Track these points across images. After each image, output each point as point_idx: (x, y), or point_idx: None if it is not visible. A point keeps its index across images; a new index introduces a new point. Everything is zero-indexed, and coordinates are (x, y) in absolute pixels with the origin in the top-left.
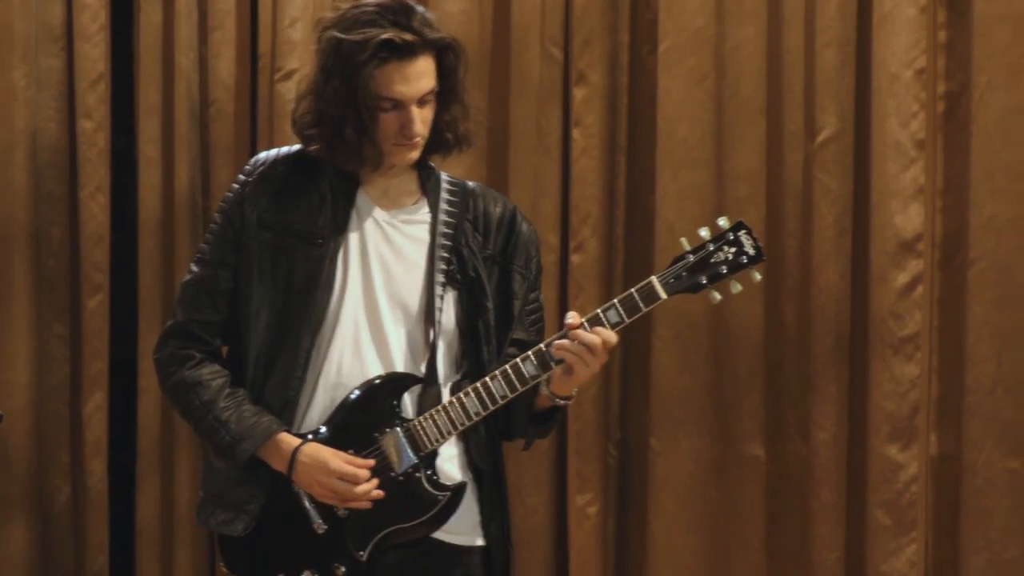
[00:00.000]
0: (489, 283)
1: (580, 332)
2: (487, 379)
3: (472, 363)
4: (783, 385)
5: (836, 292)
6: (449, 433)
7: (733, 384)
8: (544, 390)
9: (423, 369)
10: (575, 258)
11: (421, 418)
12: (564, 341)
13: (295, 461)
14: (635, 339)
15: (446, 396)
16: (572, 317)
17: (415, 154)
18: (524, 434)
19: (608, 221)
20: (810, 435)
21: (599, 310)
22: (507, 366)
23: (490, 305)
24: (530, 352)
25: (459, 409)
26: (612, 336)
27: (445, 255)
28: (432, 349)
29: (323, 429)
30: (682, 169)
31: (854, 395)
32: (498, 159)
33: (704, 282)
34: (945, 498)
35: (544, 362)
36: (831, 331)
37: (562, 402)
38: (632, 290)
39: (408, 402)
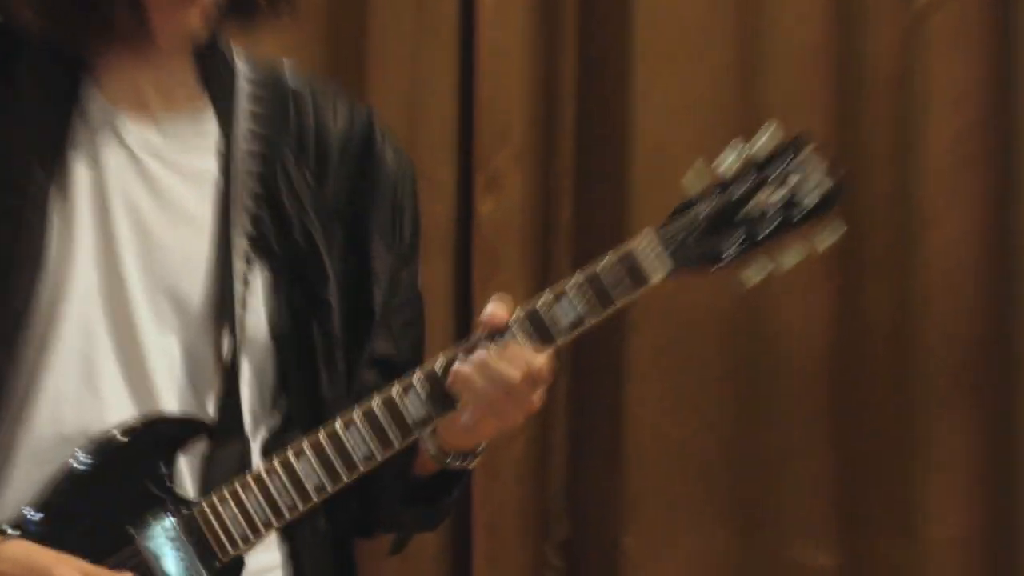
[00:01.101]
0: (330, 256)
1: (493, 355)
2: (333, 427)
3: (303, 399)
4: (866, 438)
5: (969, 278)
6: (263, 528)
7: (773, 435)
8: (429, 445)
9: (213, 409)
10: (484, 207)
11: (213, 498)
12: (466, 366)
13: None
14: (596, 356)
15: (258, 458)
16: (490, 314)
17: (195, 16)
18: (394, 524)
19: (544, 141)
20: (919, 527)
21: (536, 304)
22: (369, 404)
23: (332, 295)
24: (412, 379)
25: (282, 483)
26: (544, 363)
27: (250, 206)
28: (230, 375)
29: (33, 515)
30: (682, 46)
31: (997, 449)
32: (348, 41)
33: (734, 247)
34: None
35: (436, 398)
36: (959, 343)
37: (461, 464)
38: (602, 262)
39: (187, 469)
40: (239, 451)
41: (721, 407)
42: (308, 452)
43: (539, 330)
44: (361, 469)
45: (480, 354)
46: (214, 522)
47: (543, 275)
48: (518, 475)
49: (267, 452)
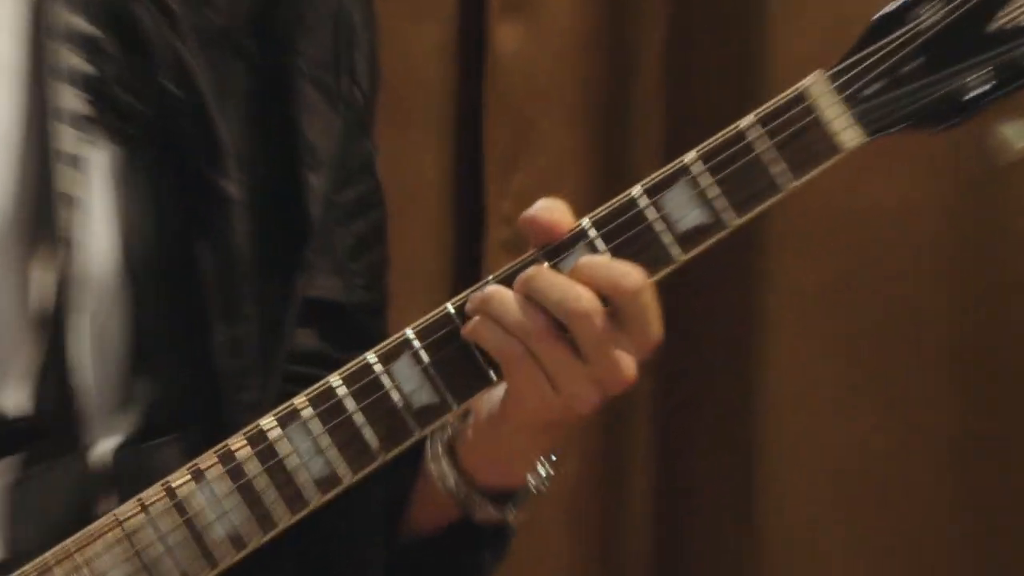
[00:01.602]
0: (225, 117)
1: (548, 271)
2: (256, 434)
3: (180, 377)
4: None
5: None
6: None
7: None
8: (444, 470)
9: (22, 398)
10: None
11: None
12: (498, 291)
13: None
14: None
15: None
16: (541, 217)
17: None
18: None
19: None
20: None
21: (632, 193)
22: (319, 388)
23: (231, 187)
24: (405, 335)
25: (141, 557)
26: (643, 281)
27: (80, 31)
28: (50, 337)
29: None
30: None
31: None
32: None
33: (983, 85)
34: None
35: (451, 365)
36: None
37: (495, 513)
38: (745, 122)
39: None
40: (70, 476)
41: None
42: (199, 491)
43: (637, 237)
44: (292, 516)
45: (527, 270)
46: None
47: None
48: (563, 517)
49: (121, 480)
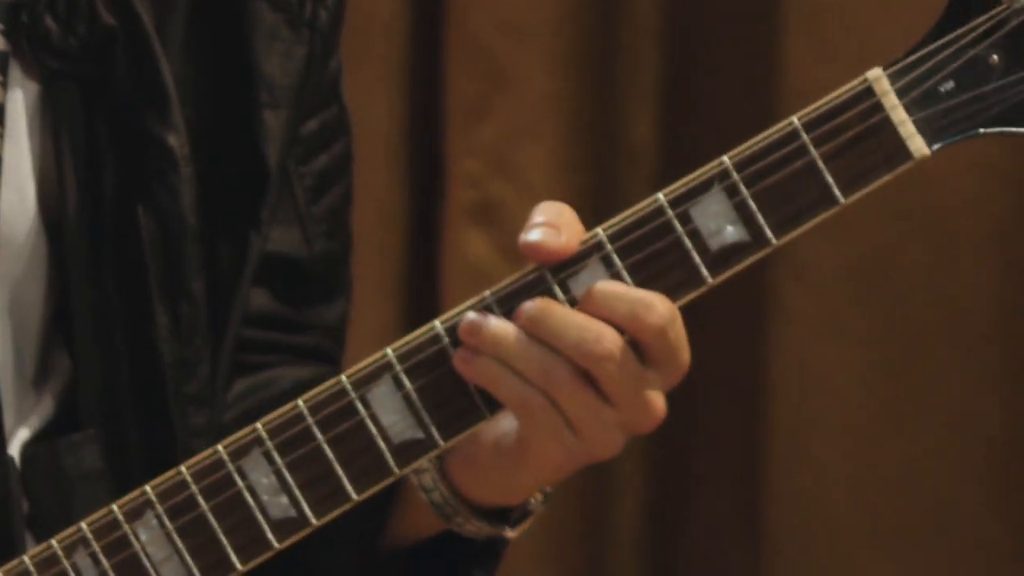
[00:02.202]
0: (169, 48)
1: (557, 305)
2: (209, 463)
3: (112, 357)
4: None
5: None
6: None
7: None
8: (428, 482)
9: None
10: None
11: None
12: (500, 323)
13: None
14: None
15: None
16: (544, 231)
17: None
18: None
19: None
20: None
21: (655, 203)
22: (282, 413)
23: (175, 135)
24: (386, 354)
25: None
26: (670, 312)
27: None
28: None
29: None
30: None
31: None
32: None
33: None
34: None
35: (439, 394)
36: None
37: (488, 529)
38: (804, 118)
39: None
40: None
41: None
42: (140, 530)
43: (662, 254)
44: (272, 546)
45: (533, 303)
46: None
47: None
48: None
49: (31, 484)
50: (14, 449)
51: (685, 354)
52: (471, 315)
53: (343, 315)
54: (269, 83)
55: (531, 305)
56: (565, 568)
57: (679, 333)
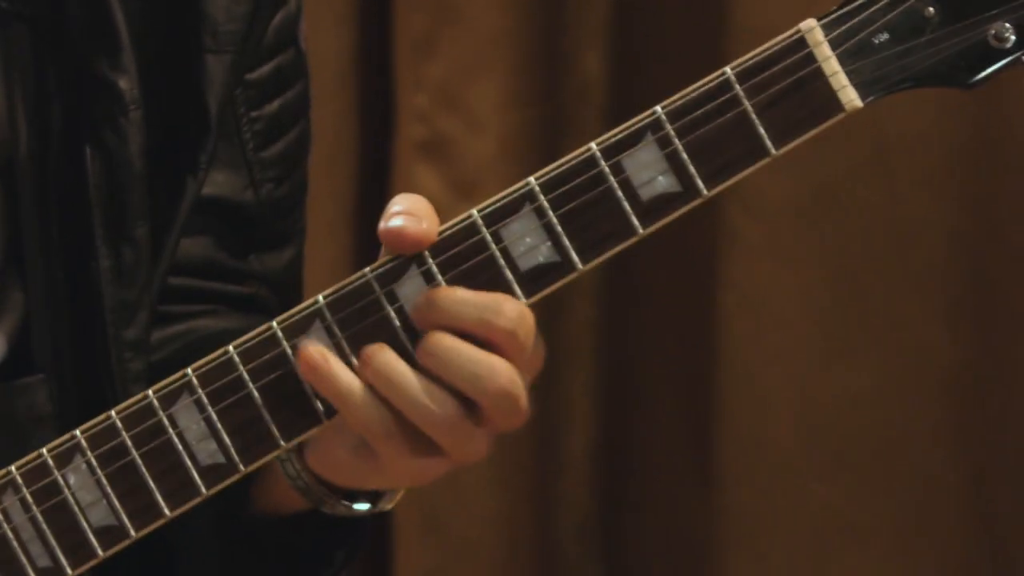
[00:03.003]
0: None
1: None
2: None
3: (56, 301)
4: None
5: None
6: None
7: None
8: (287, 465)
9: None
10: None
11: None
12: (392, 378)
13: None
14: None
15: None
16: (397, 221)
17: None
18: None
19: None
20: None
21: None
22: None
23: (124, 76)
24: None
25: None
26: (521, 314)
27: None
28: None
29: None
30: None
31: None
32: None
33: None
34: None
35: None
36: None
37: (349, 509)
38: (715, 82)
39: None
40: None
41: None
42: (72, 472)
43: (598, 202)
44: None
45: (371, 350)
46: None
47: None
48: (497, 489)
49: None
50: None
51: (539, 348)
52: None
53: (292, 262)
54: (213, 27)
55: (373, 356)
56: (516, 494)
57: (529, 330)
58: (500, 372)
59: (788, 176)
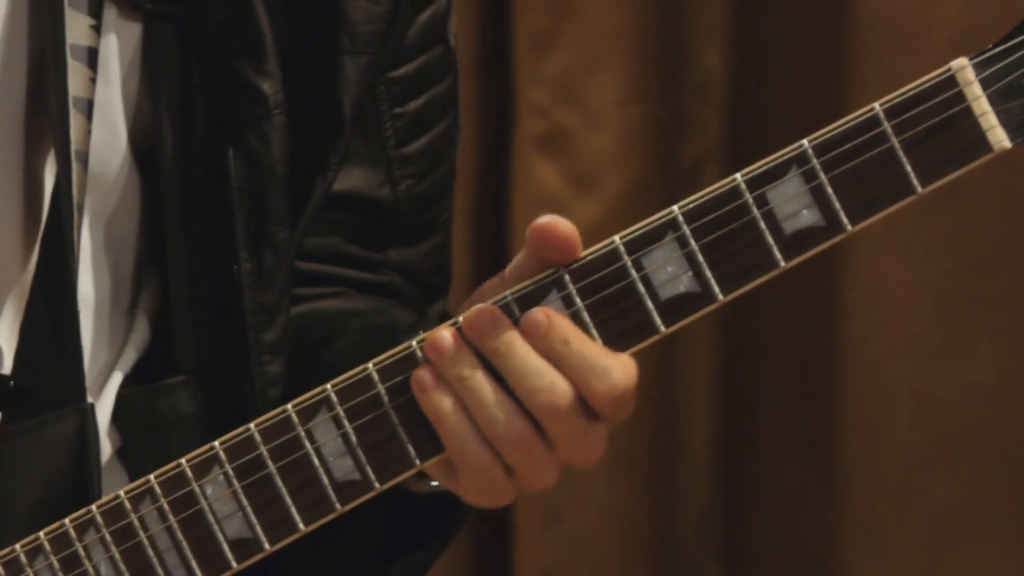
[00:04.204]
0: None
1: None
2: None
3: (197, 300)
4: None
5: None
6: None
7: None
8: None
9: (7, 334)
10: None
11: (18, 551)
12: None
13: None
14: None
15: (108, 449)
16: (551, 225)
17: None
18: None
19: None
20: None
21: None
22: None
23: (268, 78)
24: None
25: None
26: (626, 380)
27: None
28: (51, 251)
29: None
30: None
31: None
32: None
33: None
34: None
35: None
36: None
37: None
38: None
39: None
40: (69, 431)
41: None
42: (222, 470)
43: (737, 236)
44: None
45: (491, 332)
46: None
47: None
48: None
49: (126, 427)
50: (110, 390)
51: (630, 407)
52: (420, 374)
53: (429, 255)
54: (351, 28)
55: (496, 339)
56: (635, 488)
57: (630, 395)
58: (560, 392)
59: None
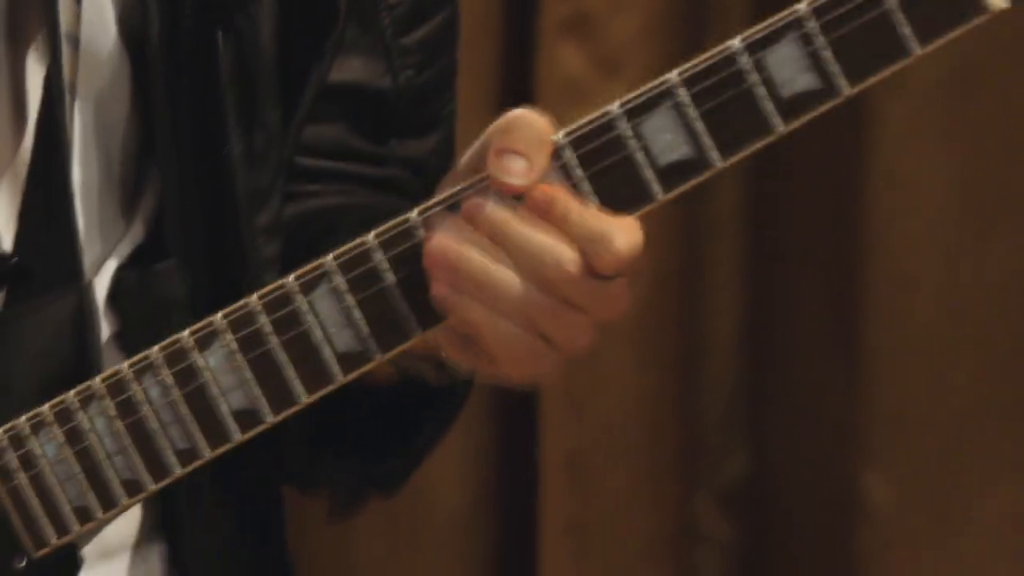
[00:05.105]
0: None
1: (516, 219)
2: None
3: (189, 183)
4: None
5: None
6: (101, 508)
7: None
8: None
9: (8, 216)
10: None
11: (21, 426)
12: (453, 236)
13: None
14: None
15: (105, 329)
16: (512, 128)
17: None
18: (314, 475)
19: None
20: None
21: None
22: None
23: None
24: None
25: (160, 409)
26: (633, 238)
27: None
28: (47, 132)
29: None
30: None
31: None
32: None
33: None
34: None
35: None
36: None
37: (440, 375)
38: None
39: None
40: (69, 311)
41: None
42: (210, 355)
43: (733, 102)
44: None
45: (491, 214)
46: (25, 481)
47: None
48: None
49: (121, 309)
50: (106, 275)
51: (641, 263)
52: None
53: (438, 147)
54: None
55: (494, 215)
56: (660, 377)
57: (638, 254)
58: (568, 260)
59: (932, 55)
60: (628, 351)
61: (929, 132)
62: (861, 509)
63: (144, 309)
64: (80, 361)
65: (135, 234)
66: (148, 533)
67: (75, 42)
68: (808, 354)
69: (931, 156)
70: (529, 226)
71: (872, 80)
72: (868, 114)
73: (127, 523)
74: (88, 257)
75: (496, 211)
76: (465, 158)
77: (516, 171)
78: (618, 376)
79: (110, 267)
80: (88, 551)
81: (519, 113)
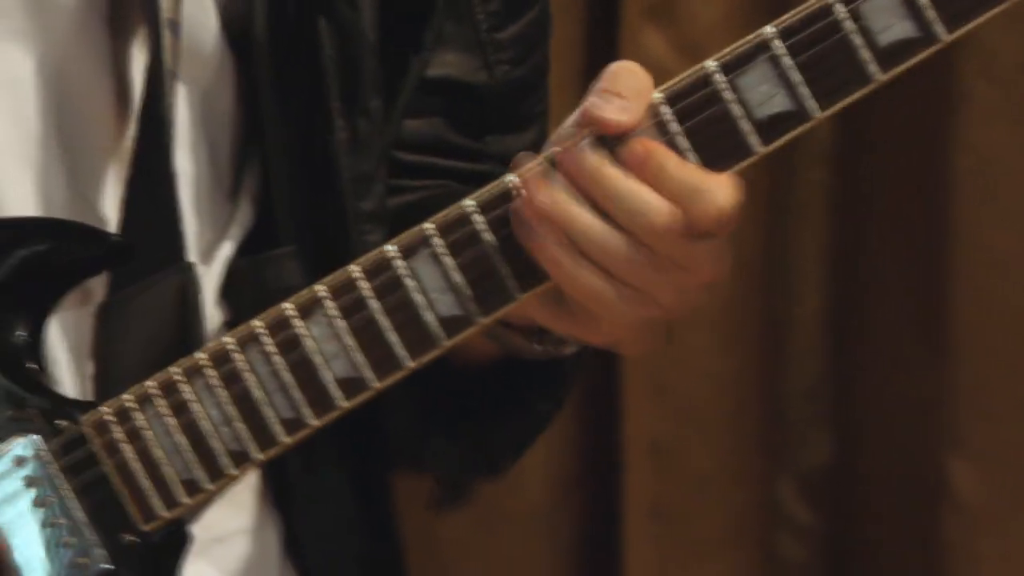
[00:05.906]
0: None
1: (614, 171)
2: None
3: (295, 169)
4: None
5: None
6: (210, 479)
7: None
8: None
9: (111, 205)
10: None
11: (117, 405)
12: (547, 193)
13: None
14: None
15: (214, 310)
16: (609, 89)
17: None
18: (424, 457)
19: None
20: None
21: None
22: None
23: None
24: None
25: (265, 379)
26: (730, 191)
27: None
28: (149, 120)
29: None
30: None
31: None
32: None
33: None
34: None
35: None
36: None
37: (545, 350)
38: None
39: (60, 339)
40: (173, 291)
41: None
42: (313, 325)
43: (830, 54)
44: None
45: (588, 166)
46: (133, 454)
47: None
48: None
49: (238, 297)
50: (218, 261)
51: (735, 223)
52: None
53: (534, 144)
54: None
55: (590, 165)
56: (744, 357)
57: (735, 211)
58: (665, 213)
59: (1022, 36)
60: (711, 335)
61: (1017, 113)
62: (947, 495)
63: (256, 297)
64: (185, 340)
65: (243, 219)
66: (263, 518)
67: (176, 29)
68: (894, 339)
69: (1019, 137)
70: (627, 178)
71: (970, 26)
72: (957, 96)
73: (241, 509)
74: (196, 242)
75: (594, 162)
76: (561, 128)
77: (615, 108)
78: (701, 360)
79: (223, 252)
80: (201, 537)
81: (622, 63)
